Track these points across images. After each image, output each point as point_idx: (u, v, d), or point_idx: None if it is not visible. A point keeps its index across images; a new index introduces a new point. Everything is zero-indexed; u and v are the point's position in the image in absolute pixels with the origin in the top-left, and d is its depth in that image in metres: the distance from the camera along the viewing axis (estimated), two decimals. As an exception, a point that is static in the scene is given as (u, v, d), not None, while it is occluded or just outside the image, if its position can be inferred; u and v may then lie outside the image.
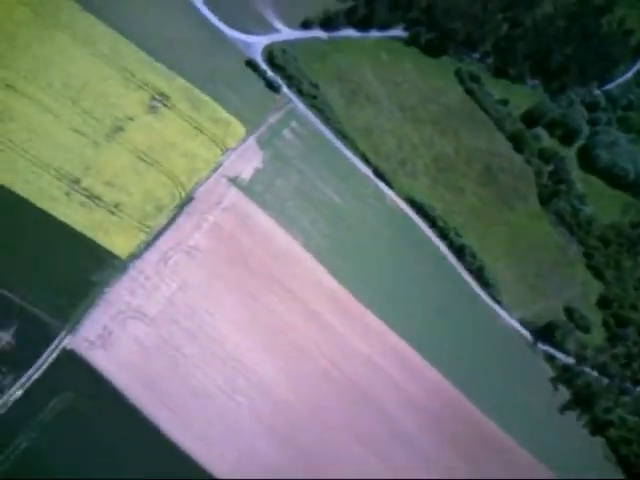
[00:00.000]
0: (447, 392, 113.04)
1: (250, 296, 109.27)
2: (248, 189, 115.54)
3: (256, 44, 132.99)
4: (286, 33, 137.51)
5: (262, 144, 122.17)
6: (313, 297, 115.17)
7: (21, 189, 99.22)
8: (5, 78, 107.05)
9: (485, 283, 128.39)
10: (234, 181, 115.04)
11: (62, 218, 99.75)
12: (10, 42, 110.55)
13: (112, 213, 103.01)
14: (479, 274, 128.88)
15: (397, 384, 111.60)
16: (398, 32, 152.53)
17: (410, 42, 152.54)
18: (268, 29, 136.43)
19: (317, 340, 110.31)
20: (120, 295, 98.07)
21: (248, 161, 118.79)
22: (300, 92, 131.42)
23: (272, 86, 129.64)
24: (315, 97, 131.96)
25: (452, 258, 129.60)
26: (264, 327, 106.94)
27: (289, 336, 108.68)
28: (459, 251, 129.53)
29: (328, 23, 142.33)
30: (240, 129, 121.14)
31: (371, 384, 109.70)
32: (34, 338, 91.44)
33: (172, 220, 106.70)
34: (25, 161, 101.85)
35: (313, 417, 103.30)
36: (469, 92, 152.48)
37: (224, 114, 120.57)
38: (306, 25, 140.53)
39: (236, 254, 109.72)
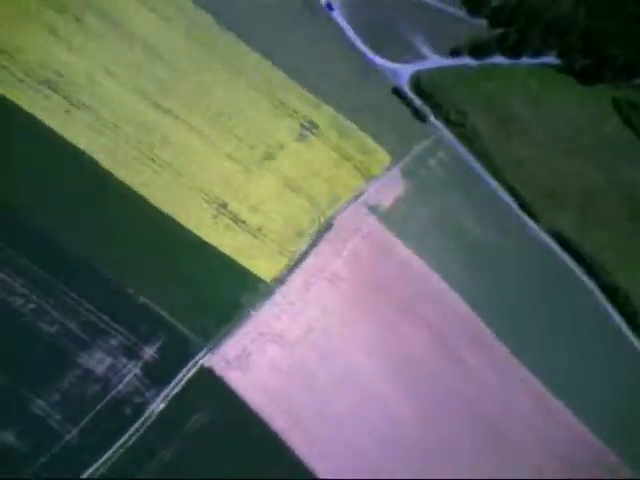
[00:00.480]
0: (593, 445, 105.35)
1: (385, 324, 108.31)
2: (388, 218, 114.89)
3: (403, 72, 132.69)
4: (434, 60, 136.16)
5: (406, 173, 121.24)
6: (449, 329, 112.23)
7: (172, 210, 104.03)
8: (166, 104, 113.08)
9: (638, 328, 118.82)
10: (375, 209, 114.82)
11: (209, 239, 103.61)
12: (172, 70, 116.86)
13: (255, 237, 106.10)
14: (632, 318, 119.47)
15: (534, 427, 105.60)
16: (551, 59, 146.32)
17: (563, 69, 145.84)
18: (416, 56, 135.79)
19: (450, 373, 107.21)
20: (263, 318, 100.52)
21: (390, 190, 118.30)
22: (447, 121, 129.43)
23: (419, 114, 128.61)
24: (463, 126, 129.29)
25: (601, 297, 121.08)
26: (397, 356, 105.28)
27: (422, 367, 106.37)
28: (608, 291, 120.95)
29: (478, 50, 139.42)
30: (385, 157, 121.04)
31: (506, 424, 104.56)
32: (176, 353, 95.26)
33: (312, 246, 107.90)
34: (179, 184, 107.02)
35: (443, 452, 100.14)
36: (627, 122, 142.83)
37: (370, 142, 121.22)
38: (455, 52, 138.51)
39: (374, 282, 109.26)
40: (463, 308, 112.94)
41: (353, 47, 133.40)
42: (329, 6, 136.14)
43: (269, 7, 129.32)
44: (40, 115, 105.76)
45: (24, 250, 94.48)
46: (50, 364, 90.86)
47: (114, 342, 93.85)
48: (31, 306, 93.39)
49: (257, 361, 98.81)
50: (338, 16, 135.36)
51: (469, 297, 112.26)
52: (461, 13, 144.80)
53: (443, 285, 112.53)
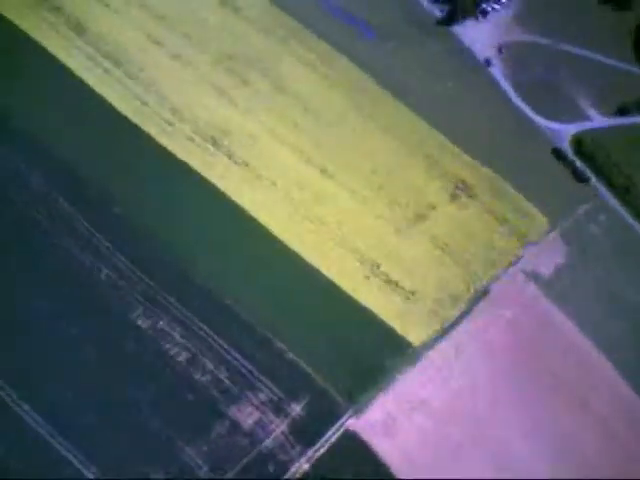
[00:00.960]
0: None
1: (537, 400, 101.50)
2: (548, 286, 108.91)
3: (564, 132, 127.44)
4: (598, 120, 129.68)
5: (565, 238, 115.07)
6: (608, 411, 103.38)
7: (325, 267, 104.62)
8: (321, 162, 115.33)
9: None
10: (534, 277, 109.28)
11: (360, 300, 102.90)
12: (329, 128, 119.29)
13: (407, 299, 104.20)
14: None
15: None
16: None
17: None
18: (578, 116, 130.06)
19: (606, 455, 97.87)
20: (409, 384, 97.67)
21: (549, 256, 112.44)
22: (611, 184, 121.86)
23: (580, 177, 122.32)
24: (628, 190, 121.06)
25: None
26: (554, 437, 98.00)
27: (578, 449, 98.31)
28: None
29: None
30: (543, 221, 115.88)
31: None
32: (322, 413, 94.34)
33: (466, 312, 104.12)
34: (333, 241, 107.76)
35: None
36: None
37: (527, 205, 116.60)
38: (622, 111, 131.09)
39: (531, 355, 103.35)
40: (625, 389, 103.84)
41: (512, 105, 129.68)
42: (487, 62, 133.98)
43: (426, 67, 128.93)
44: (206, 173, 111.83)
45: (187, 302, 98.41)
46: (201, 413, 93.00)
47: (262, 396, 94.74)
48: (186, 355, 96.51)
49: (402, 428, 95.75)
50: (497, 72, 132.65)
51: (635, 378, 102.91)
52: (631, 68, 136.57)
53: (606, 364, 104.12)
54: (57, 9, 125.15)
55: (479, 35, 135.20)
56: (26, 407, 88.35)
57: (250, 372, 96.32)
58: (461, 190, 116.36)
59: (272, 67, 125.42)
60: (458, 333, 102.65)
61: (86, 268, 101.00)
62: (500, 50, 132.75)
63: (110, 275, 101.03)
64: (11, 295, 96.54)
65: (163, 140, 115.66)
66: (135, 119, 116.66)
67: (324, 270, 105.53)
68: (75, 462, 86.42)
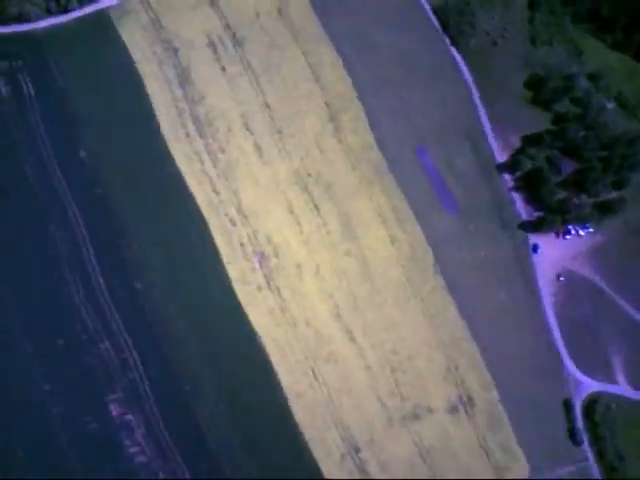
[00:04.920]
0: None
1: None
2: None
3: (586, 386, 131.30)
4: (624, 389, 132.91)
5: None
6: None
7: (308, 431, 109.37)
8: (349, 325, 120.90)
9: None
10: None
11: (325, 473, 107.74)
12: (372, 293, 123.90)
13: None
14: None
15: None
16: None
17: None
18: (606, 377, 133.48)
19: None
20: None
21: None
22: (601, 457, 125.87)
23: (575, 437, 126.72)
24: (615, 469, 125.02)
25: None
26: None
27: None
28: None
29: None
30: (524, 468, 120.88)
31: None
32: None
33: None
34: (326, 410, 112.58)
35: None
36: None
37: (515, 447, 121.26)
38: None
39: None
40: None
41: (552, 337, 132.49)
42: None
43: (489, 269, 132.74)
44: (237, 286, 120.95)
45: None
46: None
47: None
48: None
49: None
50: (546, 295, 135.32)
51: None
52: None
53: None
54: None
55: (549, 251, 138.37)
56: None
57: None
58: (463, 405, 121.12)
59: (347, 202, 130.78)
60: None
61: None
62: (559, 277, 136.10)
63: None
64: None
65: (218, 237, 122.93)
66: (203, 207, 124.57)
67: (307, 432, 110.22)
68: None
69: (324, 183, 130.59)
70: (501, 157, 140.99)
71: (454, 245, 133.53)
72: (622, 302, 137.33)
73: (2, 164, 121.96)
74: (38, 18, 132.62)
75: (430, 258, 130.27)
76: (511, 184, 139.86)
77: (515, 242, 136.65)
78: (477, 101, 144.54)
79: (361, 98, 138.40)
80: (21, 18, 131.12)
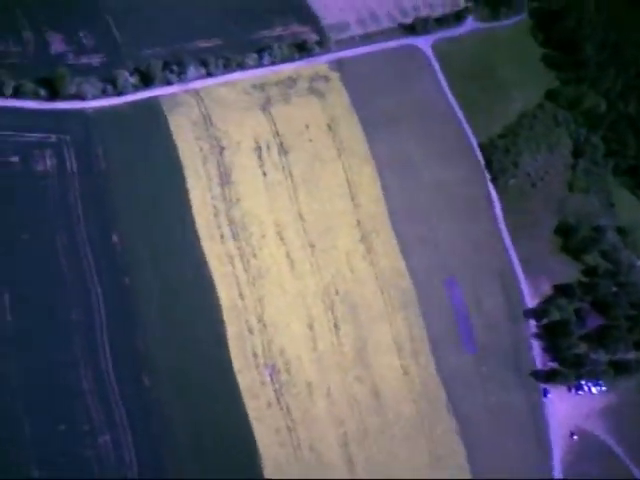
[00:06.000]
0: None
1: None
2: None
3: None
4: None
5: None
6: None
7: None
8: (352, 456, 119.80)
9: None
10: None
11: None
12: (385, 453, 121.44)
13: None
14: None
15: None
16: None
17: None
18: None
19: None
20: None
21: None
22: None
23: None
24: None
25: None
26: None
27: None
28: None
29: None
30: None
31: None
32: None
33: None
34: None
35: None
36: None
37: None
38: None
39: None
40: None
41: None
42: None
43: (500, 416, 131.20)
44: (247, 398, 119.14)
45: None
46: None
47: None
48: None
49: None
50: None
51: None
52: None
53: None
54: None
55: (562, 404, 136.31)
56: None
57: None
58: None
59: (367, 325, 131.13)
60: None
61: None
62: (572, 434, 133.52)
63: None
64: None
65: (233, 342, 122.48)
66: (226, 309, 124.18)
67: None
68: None
69: (350, 303, 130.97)
70: (530, 302, 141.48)
71: (467, 385, 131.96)
72: (635, 470, 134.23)
73: (36, 235, 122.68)
74: (93, 98, 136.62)
75: (443, 396, 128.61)
76: (534, 330, 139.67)
77: (528, 390, 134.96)
78: (508, 241, 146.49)
79: (394, 222, 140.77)
80: (77, 96, 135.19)
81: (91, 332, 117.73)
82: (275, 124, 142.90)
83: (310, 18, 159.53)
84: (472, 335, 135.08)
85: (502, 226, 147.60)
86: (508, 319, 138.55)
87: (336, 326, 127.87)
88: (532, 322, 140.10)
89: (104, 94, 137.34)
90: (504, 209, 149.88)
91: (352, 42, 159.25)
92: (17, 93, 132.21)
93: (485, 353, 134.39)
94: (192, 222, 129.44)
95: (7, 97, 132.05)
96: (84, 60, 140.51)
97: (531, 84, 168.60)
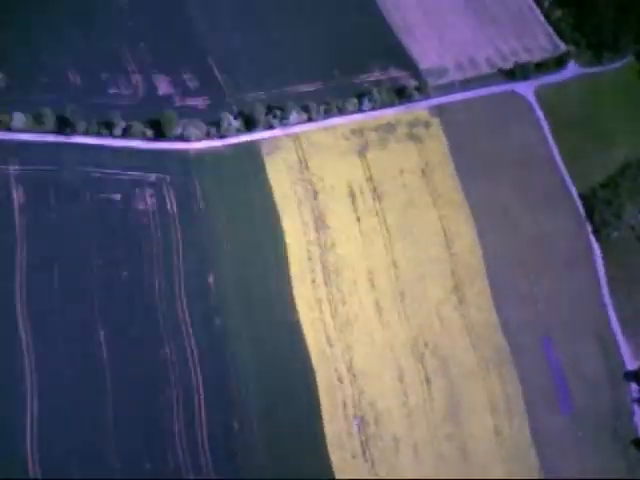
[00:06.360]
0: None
1: None
2: None
3: None
4: None
5: None
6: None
7: None
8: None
9: None
10: None
11: None
12: None
13: None
14: None
15: None
16: None
17: None
18: None
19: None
20: None
21: None
22: None
23: None
24: None
25: None
26: None
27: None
28: None
29: None
30: None
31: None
32: None
33: None
34: None
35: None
36: None
37: None
38: None
39: None
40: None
41: None
42: None
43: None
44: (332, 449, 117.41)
45: None
46: None
47: None
48: None
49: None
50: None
51: None
52: None
53: None
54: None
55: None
56: None
57: None
58: None
59: (459, 381, 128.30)
60: None
61: None
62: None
63: None
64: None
65: (322, 391, 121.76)
66: (314, 356, 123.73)
67: None
68: None
69: (440, 357, 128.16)
70: (631, 364, 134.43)
71: (561, 450, 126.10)
72: None
73: (134, 272, 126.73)
74: (196, 139, 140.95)
75: (535, 460, 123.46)
76: (635, 395, 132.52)
77: (628, 461, 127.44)
78: (608, 298, 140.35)
79: (490, 274, 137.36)
80: (182, 137, 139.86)
81: (185, 373, 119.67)
82: (370, 169, 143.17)
83: (408, 63, 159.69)
84: (569, 398, 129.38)
85: (602, 282, 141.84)
86: (607, 382, 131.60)
87: (427, 380, 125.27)
88: (633, 386, 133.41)
89: (207, 136, 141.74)
90: (605, 264, 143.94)
91: (451, 87, 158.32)
92: (126, 134, 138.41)
93: (582, 417, 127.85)
94: (286, 265, 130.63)
95: (116, 137, 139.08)
96: (189, 102, 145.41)
97: (636, 132, 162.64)
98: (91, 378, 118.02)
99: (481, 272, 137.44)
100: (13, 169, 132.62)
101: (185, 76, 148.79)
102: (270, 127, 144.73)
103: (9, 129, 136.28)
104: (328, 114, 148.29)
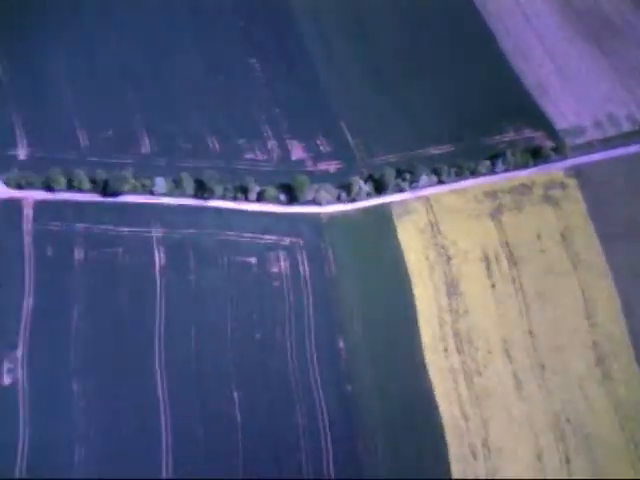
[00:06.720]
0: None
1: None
2: None
3: None
4: None
5: None
6: None
7: None
8: None
9: None
10: None
11: None
12: None
13: None
14: None
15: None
16: None
17: None
18: None
19: None
20: None
21: None
22: None
23: None
24: None
25: None
26: None
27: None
28: None
29: None
30: None
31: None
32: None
33: None
34: None
35: None
36: None
37: None
38: None
39: None
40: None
41: None
42: None
43: None
44: None
45: None
46: None
47: None
48: None
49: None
50: None
51: None
52: None
53: None
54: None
55: None
56: None
57: None
58: None
59: (603, 464, 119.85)
60: None
61: None
62: None
63: None
64: None
65: (454, 465, 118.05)
66: (448, 429, 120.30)
67: None
68: None
69: (583, 435, 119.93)
70: None
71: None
72: None
73: (268, 335, 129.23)
74: (327, 203, 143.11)
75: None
76: None
77: None
78: None
79: (636, 346, 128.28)
80: (313, 202, 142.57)
81: (315, 436, 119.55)
82: (505, 233, 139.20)
83: (544, 123, 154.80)
84: None
85: None
86: None
87: (567, 460, 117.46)
88: None
89: (338, 200, 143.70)
90: None
91: (589, 147, 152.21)
92: (260, 198, 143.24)
93: None
94: (417, 332, 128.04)
95: (251, 201, 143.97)
96: (321, 167, 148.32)
97: None
98: (224, 439, 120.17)
99: (626, 344, 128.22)
100: (155, 232, 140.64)
101: (317, 141, 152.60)
102: (400, 190, 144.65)
103: (152, 193, 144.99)
104: (459, 176, 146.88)
